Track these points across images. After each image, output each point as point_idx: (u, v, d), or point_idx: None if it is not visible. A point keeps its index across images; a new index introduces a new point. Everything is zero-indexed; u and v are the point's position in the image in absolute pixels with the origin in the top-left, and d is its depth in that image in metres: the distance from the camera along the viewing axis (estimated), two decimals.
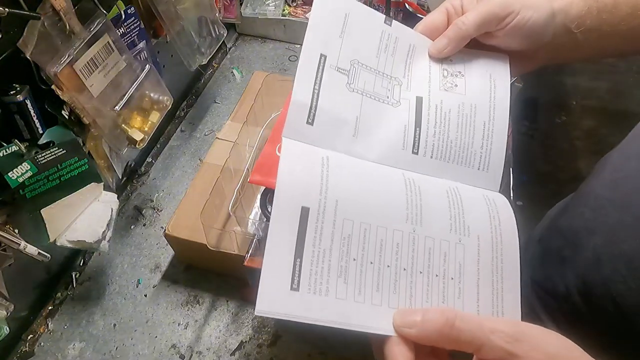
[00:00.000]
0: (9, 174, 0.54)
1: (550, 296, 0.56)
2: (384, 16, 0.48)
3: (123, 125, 0.69)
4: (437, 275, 0.38)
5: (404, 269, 0.38)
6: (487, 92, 0.48)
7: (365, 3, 1.06)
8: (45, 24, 0.54)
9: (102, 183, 0.67)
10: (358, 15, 0.46)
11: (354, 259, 0.36)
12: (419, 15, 0.92)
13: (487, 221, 0.41)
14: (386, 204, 0.40)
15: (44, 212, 0.59)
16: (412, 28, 0.50)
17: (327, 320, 0.34)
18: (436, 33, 0.50)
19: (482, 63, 0.49)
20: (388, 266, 0.37)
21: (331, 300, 0.35)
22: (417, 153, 0.45)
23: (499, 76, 0.48)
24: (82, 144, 0.64)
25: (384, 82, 0.46)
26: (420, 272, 0.38)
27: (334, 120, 0.43)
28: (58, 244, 0.62)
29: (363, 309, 0.35)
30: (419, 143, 0.45)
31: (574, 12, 0.47)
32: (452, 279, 0.38)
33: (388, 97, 0.46)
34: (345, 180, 0.39)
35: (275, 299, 0.33)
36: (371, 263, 0.37)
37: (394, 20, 0.48)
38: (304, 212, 0.36)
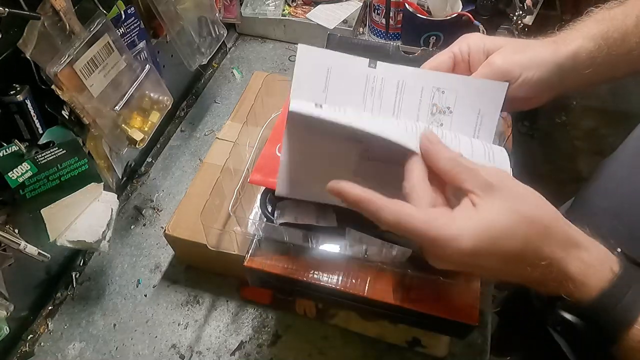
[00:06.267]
0: (9, 174, 0.54)
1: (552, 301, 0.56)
2: (368, 60, 0.48)
3: (123, 125, 0.69)
4: (435, 111, 0.47)
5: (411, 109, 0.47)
6: (472, 129, 0.48)
7: (364, 3, 1.07)
8: (45, 24, 0.54)
9: (102, 183, 0.67)
10: (340, 66, 0.47)
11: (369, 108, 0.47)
12: (419, 15, 0.92)
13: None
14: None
15: (44, 212, 0.59)
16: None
17: (350, 125, 0.41)
18: None
19: (475, 95, 0.48)
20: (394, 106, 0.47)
21: (350, 114, 0.43)
22: None
23: (487, 112, 0.48)
24: (82, 144, 0.64)
25: None
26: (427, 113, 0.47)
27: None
28: (58, 244, 0.62)
29: (379, 123, 0.44)
30: None
31: (584, 55, 0.47)
32: (449, 111, 0.47)
33: None
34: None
35: (305, 105, 0.42)
36: (380, 106, 0.47)
37: (378, 62, 0.48)
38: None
